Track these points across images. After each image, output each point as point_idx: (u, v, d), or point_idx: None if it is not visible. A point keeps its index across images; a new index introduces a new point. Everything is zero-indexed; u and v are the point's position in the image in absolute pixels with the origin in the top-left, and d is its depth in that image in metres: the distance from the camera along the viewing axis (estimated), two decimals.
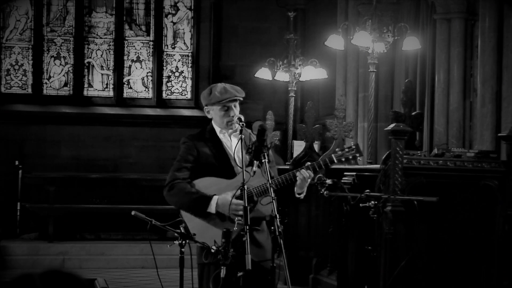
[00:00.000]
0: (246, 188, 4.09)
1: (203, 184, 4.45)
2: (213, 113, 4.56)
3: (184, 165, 4.50)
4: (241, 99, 4.59)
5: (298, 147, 10.14)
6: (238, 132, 4.40)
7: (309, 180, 4.34)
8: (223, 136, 4.57)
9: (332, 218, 7.97)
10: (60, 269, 1.89)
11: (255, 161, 4.21)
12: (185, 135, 4.73)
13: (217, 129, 4.58)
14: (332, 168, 8.12)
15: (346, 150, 4.41)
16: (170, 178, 4.53)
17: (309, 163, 4.41)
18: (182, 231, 4.32)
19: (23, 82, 13.44)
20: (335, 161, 4.36)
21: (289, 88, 11.32)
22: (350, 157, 4.39)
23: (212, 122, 4.62)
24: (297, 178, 4.32)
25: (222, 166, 4.49)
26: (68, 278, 1.84)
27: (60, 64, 13.57)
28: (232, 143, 4.53)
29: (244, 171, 4.15)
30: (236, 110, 4.52)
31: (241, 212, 4.22)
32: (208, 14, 13.64)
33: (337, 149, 4.52)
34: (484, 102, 8.44)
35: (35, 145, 12.89)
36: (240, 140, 4.31)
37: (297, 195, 4.42)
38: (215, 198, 4.39)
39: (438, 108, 9.35)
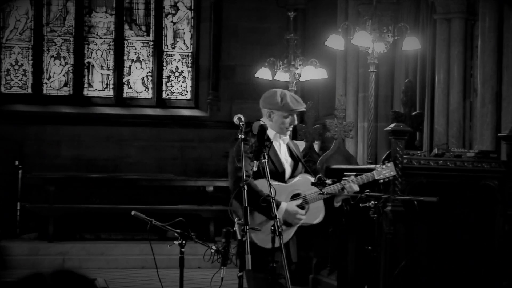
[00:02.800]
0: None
1: (261, 185, 4.49)
2: (276, 117, 4.69)
3: (249, 162, 4.53)
4: (304, 110, 4.92)
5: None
6: (288, 136, 4.72)
7: (353, 192, 4.58)
8: (274, 139, 4.69)
9: (332, 218, 7.97)
10: (70, 269, 1.90)
11: (255, 161, 4.21)
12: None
13: (269, 132, 4.61)
14: (332, 168, 8.14)
15: (384, 167, 4.72)
16: (238, 172, 4.49)
17: (353, 177, 4.60)
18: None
19: (23, 82, 13.44)
20: (376, 177, 4.66)
21: (289, 88, 11.32)
22: (387, 175, 4.69)
23: (264, 124, 4.65)
24: (345, 190, 4.55)
25: (276, 169, 4.61)
26: (78, 278, 1.85)
27: (60, 64, 13.57)
28: (281, 147, 4.70)
29: (244, 172, 4.16)
30: (296, 119, 4.72)
31: (301, 222, 4.51)
32: (208, 14, 13.64)
33: (377, 166, 4.78)
34: (484, 102, 8.44)
35: (35, 145, 12.89)
36: (240, 140, 4.32)
37: (335, 203, 4.63)
38: (283, 205, 4.51)
39: (438, 108, 9.34)
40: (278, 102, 4.65)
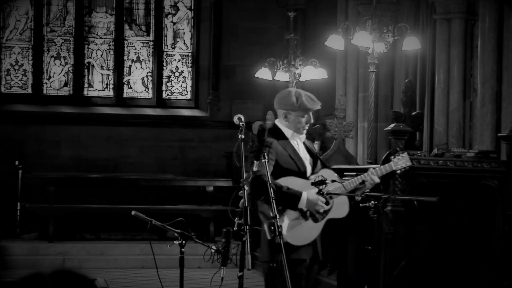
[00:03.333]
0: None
1: (286, 182, 4.55)
2: (292, 118, 4.70)
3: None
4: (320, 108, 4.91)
5: None
6: (305, 135, 4.77)
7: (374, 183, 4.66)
8: (292, 138, 4.73)
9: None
10: (70, 269, 1.90)
11: (255, 161, 4.22)
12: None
13: (286, 131, 4.70)
14: (332, 168, 8.13)
15: (399, 158, 4.77)
16: (256, 173, 4.51)
17: (372, 169, 4.69)
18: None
19: (23, 82, 13.44)
20: (393, 168, 4.73)
21: (289, 88, 11.32)
22: (404, 165, 4.77)
23: (279, 124, 4.73)
24: (366, 182, 4.63)
25: (296, 167, 4.65)
26: (78, 278, 1.85)
27: (60, 64, 13.57)
28: (299, 146, 4.73)
29: (243, 170, 4.17)
30: (311, 117, 4.76)
31: (321, 210, 4.55)
32: (208, 14, 13.64)
33: (392, 157, 4.87)
34: (484, 102, 8.44)
35: (35, 145, 12.90)
36: (240, 140, 4.33)
37: (357, 198, 4.69)
38: (304, 194, 4.54)
39: (438, 108, 9.34)
40: (294, 103, 4.66)
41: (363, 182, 4.61)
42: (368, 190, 4.65)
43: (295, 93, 4.71)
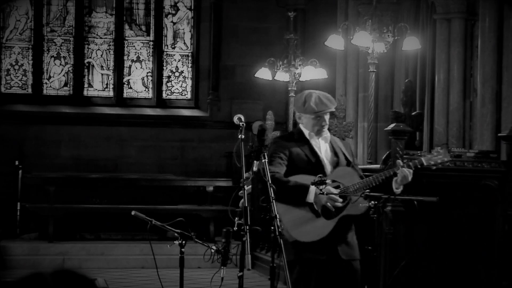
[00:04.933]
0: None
1: (297, 179, 4.52)
2: (305, 120, 4.68)
3: (278, 161, 4.60)
4: (334, 110, 4.79)
5: None
6: (327, 135, 4.68)
7: (409, 178, 4.49)
8: (311, 138, 4.68)
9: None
10: (70, 269, 1.89)
11: (255, 161, 4.22)
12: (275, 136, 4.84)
13: (306, 132, 4.69)
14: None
15: (435, 154, 4.61)
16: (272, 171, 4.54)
17: (400, 162, 4.56)
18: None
19: (23, 82, 13.44)
20: (425, 164, 4.57)
21: (289, 88, 11.32)
22: (439, 161, 4.60)
23: (301, 125, 4.72)
24: (398, 175, 4.47)
25: (312, 166, 4.58)
26: (78, 278, 1.85)
27: (60, 64, 13.57)
28: (321, 146, 4.67)
29: (243, 170, 4.17)
30: (327, 119, 4.67)
31: (337, 204, 4.42)
32: (208, 14, 13.64)
33: (425, 152, 4.73)
34: (484, 102, 8.44)
35: (35, 145, 12.89)
36: (240, 140, 4.33)
37: (395, 190, 4.54)
38: (311, 188, 4.48)
39: (438, 108, 9.35)
40: (301, 106, 4.65)
41: (395, 174, 4.47)
42: (400, 189, 4.52)
43: (306, 96, 4.66)
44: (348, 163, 4.66)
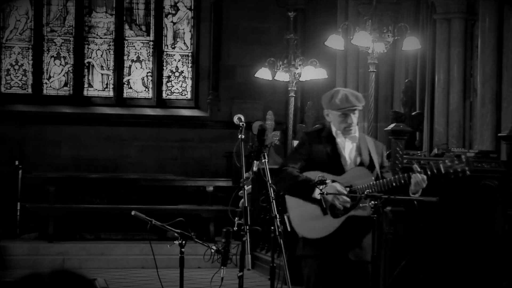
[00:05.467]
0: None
1: (311, 175, 4.49)
2: (332, 117, 4.61)
3: (295, 156, 4.60)
4: (361, 108, 4.61)
5: None
6: (355, 135, 4.58)
7: (424, 184, 4.37)
8: (337, 136, 4.62)
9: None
10: (70, 269, 1.89)
11: (254, 161, 4.22)
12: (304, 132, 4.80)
13: (333, 129, 4.63)
14: None
15: (456, 162, 4.38)
16: (280, 165, 4.61)
17: (417, 167, 4.41)
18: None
19: (23, 82, 13.44)
20: (443, 171, 4.36)
21: (289, 88, 11.33)
22: (459, 169, 4.37)
23: (330, 122, 4.67)
24: (411, 180, 4.37)
25: (331, 164, 4.53)
26: (77, 278, 1.85)
27: (60, 64, 13.57)
28: (346, 145, 4.60)
29: (243, 170, 4.17)
30: (354, 118, 4.56)
31: (346, 204, 4.35)
32: (208, 14, 13.64)
33: (446, 160, 4.42)
34: (484, 102, 8.44)
35: (35, 145, 12.89)
36: (240, 140, 4.33)
37: (411, 195, 4.47)
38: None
39: (438, 108, 9.35)
40: (327, 102, 4.60)
41: (405, 183, 4.37)
42: (417, 194, 4.42)
43: (334, 92, 4.62)
44: (371, 165, 4.54)
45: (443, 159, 4.43)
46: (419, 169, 4.38)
